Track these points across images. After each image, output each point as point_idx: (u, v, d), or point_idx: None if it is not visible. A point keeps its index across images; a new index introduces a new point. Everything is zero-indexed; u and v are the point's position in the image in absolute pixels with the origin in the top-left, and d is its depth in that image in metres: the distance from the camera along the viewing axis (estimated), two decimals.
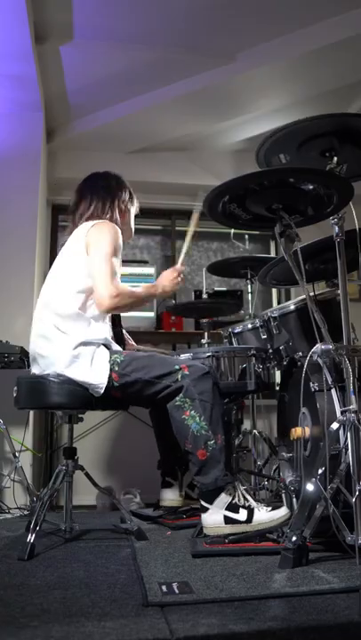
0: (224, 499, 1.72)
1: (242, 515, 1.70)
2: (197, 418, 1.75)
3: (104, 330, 1.94)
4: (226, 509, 1.71)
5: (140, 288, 2.03)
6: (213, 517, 1.72)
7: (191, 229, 2.20)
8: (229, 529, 1.70)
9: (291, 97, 3.34)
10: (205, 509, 1.73)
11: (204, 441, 1.74)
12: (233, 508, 1.71)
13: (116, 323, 2.12)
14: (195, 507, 2.10)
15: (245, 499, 1.74)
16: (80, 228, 2.02)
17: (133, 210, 2.22)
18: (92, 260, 1.91)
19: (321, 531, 1.50)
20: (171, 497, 2.17)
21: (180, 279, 2.10)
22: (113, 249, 1.93)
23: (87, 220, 2.06)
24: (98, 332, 1.89)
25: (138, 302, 1.98)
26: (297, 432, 1.76)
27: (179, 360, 1.87)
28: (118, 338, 2.08)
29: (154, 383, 1.82)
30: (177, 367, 1.81)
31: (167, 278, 2.08)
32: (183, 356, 2.17)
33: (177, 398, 1.78)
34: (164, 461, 2.23)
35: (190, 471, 1.81)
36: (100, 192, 2.11)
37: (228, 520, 1.70)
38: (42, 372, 1.89)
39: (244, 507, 1.71)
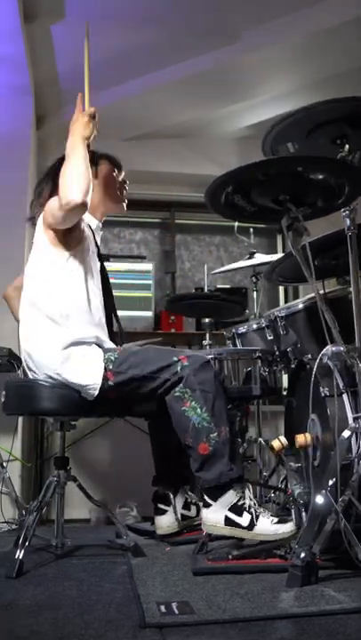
0: (229, 498, 1.71)
1: (245, 519, 1.70)
2: (198, 409, 1.75)
3: (94, 328, 1.94)
4: (229, 510, 1.71)
5: (69, 152, 1.87)
6: (214, 515, 1.72)
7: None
8: (228, 531, 1.70)
9: (300, 79, 3.34)
10: (208, 505, 1.73)
11: (205, 434, 1.74)
12: (237, 510, 1.71)
13: (112, 327, 2.12)
14: (195, 524, 2.10)
15: (253, 503, 1.73)
16: (38, 221, 1.99)
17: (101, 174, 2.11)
18: (50, 210, 1.86)
19: (332, 546, 1.50)
20: (166, 524, 2.15)
21: (94, 120, 1.95)
22: None
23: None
24: (88, 331, 1.90)
25: (80, 163, 1.82)
26: (306, 439, 1.75)
27: (177, 351, 1.88)
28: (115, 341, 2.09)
29: (152, 379, 1.82)
30: (175, 359, 1.81)
31: (77, 126, 1.92)
32: (181, 350, 2.17)
33: (176, 389, 1.79)
34: (159, 478, 2.22)
35: (191, 467, 1.80)
36: (51, 173, 2.02)
37: (228, 522, 1.70)
38: (34, 375, 1.89)
39: (248, 511, 1.71)
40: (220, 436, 1.74)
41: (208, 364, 1.83)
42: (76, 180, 1.78)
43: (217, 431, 1.74)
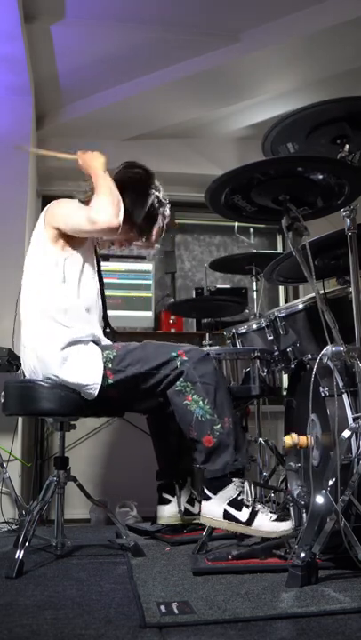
0: (229, 492, 1.72)
1: (243, 514, 1.70)
2: (201, 402, 1.76)
3: (90, 326, 1.94)
4: (228, 504, 1.71)
5: (95, 180, 1.92)
6: (213, 508, 1.72)
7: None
8: (226, 525, 1.70)
9: (300, 79, 3.34)
10: (207, 498, 1.74)
11: (209, 426, 1.74)
12: (236, 504, 1.71)
13: (105, 324, 2.12)
14: (196, 522, 2.10)
15: (253, 498, 1.73)
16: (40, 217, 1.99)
17: (159, 221, 2.06)
18: (69, 222, 1.88)
19: (331, 546, 1.50)
20: (168, 514, 2.16)
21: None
22: (75, 204, 1.91)
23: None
24: (84, 329, 1.89)
25: (110, 187, 1.88)
26: (293, 439, 1.74)
27: (175, 346, 1.88)
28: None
29: (151, 375, 1.82)
30: (174, 354, 1.82)
31: (89, 158, 1.99)
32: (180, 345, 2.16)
33: (177, 383, 1.80)
34: (162, 473, 2.23)
35: (197, 460, 1.81)
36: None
37: (227, 515, 1.70)
38: (32, 376, 1.90)
39: (248, 506, 1.71)
40: (223, 427, 1.75)
41: (207, 357, 1.84)
42: (115, 203, 1.83)
43: (220, 422, 1.75)
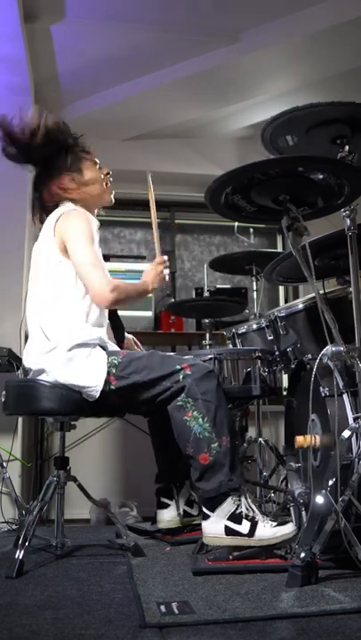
0: (227, 507, 1.71)
1: (244, 527, 1.69)
2: (200, 419, 1.75)
3: (98, 330, 1.94)
4: (228, 519, 1.70)
5: (132, 283, 2.04)
6: (214, 527, 1.71)
7: (153, 212, 2.32)
8: (229, 540, 1.69)
9: (300, 79, 3.35)
10: (206, 517, 1.73)
11: (207, 444, 1.73)
12: (236, 518, 1.70)
13: (115, 321, 2.13)
14: (195, 523, 2.10)
15: (251, 509, 1.73)
16: (47, 222, 2.02)
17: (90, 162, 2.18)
18: (73, 256, 1.90)
19: (332, 546, 1.50)
20: (168, 518, 2.16)
21: (165, 271, 2.13)
22: (90, 237, 1.92)
23: (48, 207, 2.08)
24: (92, 332, 1.90)
25: (134, 297, 2.00)
26: (306, 440, 1.76)
27: (180, 359, 1.87)
28: (118, 335, 2.09)
29: (153, 385, 1.81)
30: (178, 367, 1.81)
31: (151, 275, 2.10)
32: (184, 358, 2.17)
33: (178, 398, 1.78)
34: (161, 476, 2.23)
35: (191, 477, 1.80)
36: (49, 165, 2.18)
37: (228, 531, 1.70)
38: (34, 375, 1.90)
39: (247, 518, 1.70)
40: (221, 446, 1.74)
41: (211, 374, 1.83)
42: (121, 299, 1.91)
43: (218, 441, 1.74)
